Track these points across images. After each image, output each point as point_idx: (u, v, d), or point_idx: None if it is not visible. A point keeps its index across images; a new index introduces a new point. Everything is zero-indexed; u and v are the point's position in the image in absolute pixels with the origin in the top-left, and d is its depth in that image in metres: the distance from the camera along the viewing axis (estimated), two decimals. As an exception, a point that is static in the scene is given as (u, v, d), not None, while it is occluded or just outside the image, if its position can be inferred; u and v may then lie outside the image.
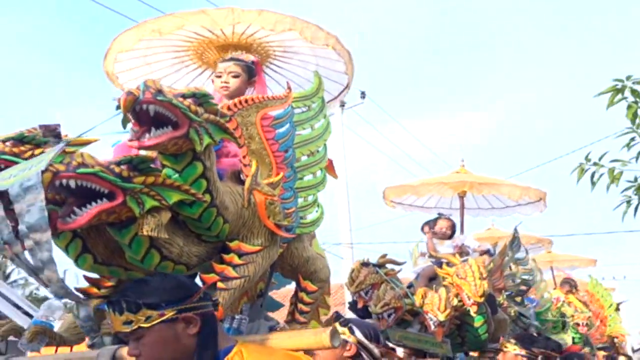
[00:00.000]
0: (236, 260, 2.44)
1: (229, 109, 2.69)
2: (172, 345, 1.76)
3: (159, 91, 2.02)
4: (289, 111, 3.02)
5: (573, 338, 9.07)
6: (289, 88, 3.09)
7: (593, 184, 3.88)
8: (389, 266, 4.94)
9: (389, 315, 4.56)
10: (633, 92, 3.74)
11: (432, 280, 5.32)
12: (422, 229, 6.12)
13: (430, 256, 5.57)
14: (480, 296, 4.52)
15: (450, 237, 6.00)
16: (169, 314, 1.75)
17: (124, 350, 2.02)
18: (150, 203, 2.10)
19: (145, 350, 1.77)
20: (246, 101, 2.80)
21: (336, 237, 15.64)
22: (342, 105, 15.43)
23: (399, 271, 4.96)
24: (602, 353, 9.94)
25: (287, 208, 2.84)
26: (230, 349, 1.74)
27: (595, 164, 3.88)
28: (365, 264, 4.81)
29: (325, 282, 3.20)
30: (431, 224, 6.06)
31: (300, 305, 3.05)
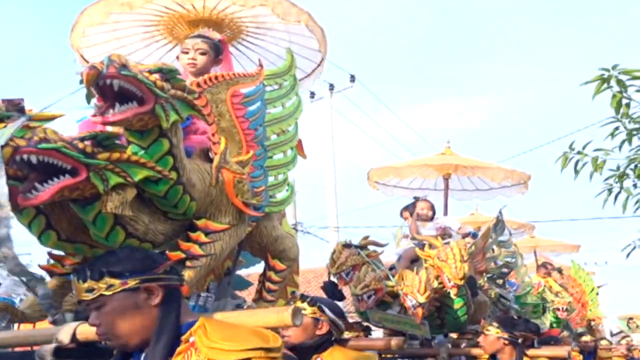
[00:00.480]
0: (203, 238, 2.43)
1: (198, 85, 2.66)
2: (132, 315, 1.75)
3: (124, 66, 1.98)
4: (260, 89, 2.99)
5: (552, 322, 9.10)
6: (261, 65, 3.06)
7: (576, 172, 3.93)
8: (371, 248, 4.96)
9: (368, 297, 4.57)
10: (618, 81, 3.75)
11: (413, 262, 5.31)
12: (401, 214, 6.08)
13: (413, 238, 5.56)
14: (461, 279, 4.53)
15: (432, 218, 5.99)
16: (132, 283, 1.75)
17: (84, 327, 2.00)
18: (114, 180, 2.07)
19: (105, 319, 1.76)
20: (216, 78, 2.76)
21: (323, 221, 15.70)
22: (332, 88, 15.61)
23: (380, 253, 4.97)
24: (585, 338, 9.98)
25: (257, 187, 2.82)
26: (193, 323, 1.73)
27: (579, 152, 3.93)
28: (346, 246, 4.80)
29: (293, 261, 3.20)
30: (410, 207, 6.03)
31: (268, 284, 3.05)
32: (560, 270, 11.35)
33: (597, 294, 12.77)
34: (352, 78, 15.56)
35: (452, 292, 4.63)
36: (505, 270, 6.26)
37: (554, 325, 9.09)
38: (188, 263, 2.35)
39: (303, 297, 2.92)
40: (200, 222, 2.45)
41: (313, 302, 2.92)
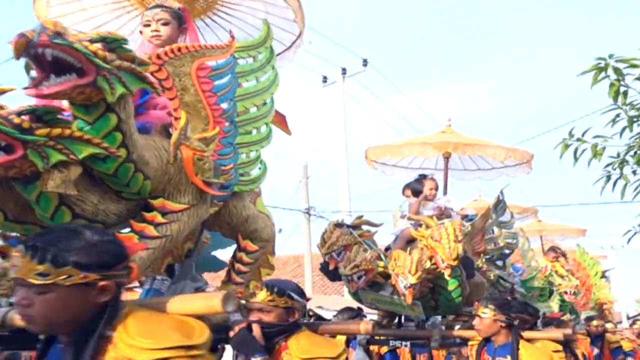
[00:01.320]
0: (159, 218, 2.30)
1: (158, 57, 2.51)
2: (76, 307, 1.62)
3: (58, 34, 1.84)
4: (231, 61, 2.84)
5: (560, 306, 9.23)
6: (232, 37, 2.91)
7: (576, 159, 3.96)
8: (367, 228, 4.82)
9: (359, 278, 4.46)
10: (615, 70, 3.75)
11: (410, 242, 5.13)
12: (403, 191, 5.85)
13: (410, 218, 5.39)
14: (454, 259, 4.37)
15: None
16: (91, 277, 1.62)
17: (15, 314, 1.89)
18: (56, 157, 1.94)
19: (43, 306, 1.60)
20: (179, 49, 2.60)
21: (335, 205, 15.68)
22: (344, 72, 15.61)
23: (374, 233, 4.84)
24: (594, 322, 9.95)
25: (225, 164, 2.70)
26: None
27: (578, 139, 3.97)
28: (338, 225, 4.68)
29: (267, 242, 3.06)
30: (413, 184, 5.77)
31: (238, 266, 2.93)
32: (564, 255, 11.41)
33: (603, 277, 12.94)
34: (365, 62, 15.63)
35: (446, 273, 4.48)
36: (506, 251, 6.05)
37: (562, 309, 9.21)
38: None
39: (269, 288, 2.79)
40: (157, 202, 2.32)
41: (281, 292, 2.80)
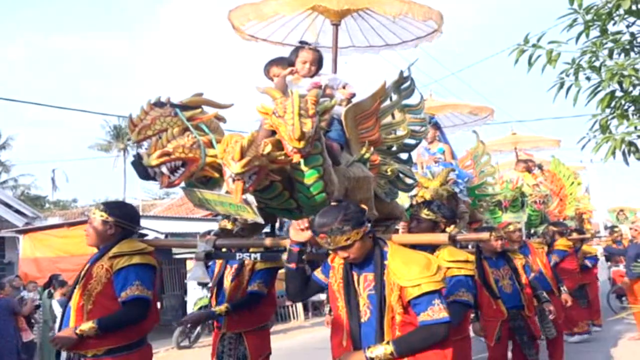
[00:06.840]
0: None
1: None
2: None
3: None
4: None
5: (530, 215, 9.35)
6: None
7: (530, 64, 3.97)
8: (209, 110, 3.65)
9: (173, 171, 3.32)
10: None
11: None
12: (267, 70, 4.39)
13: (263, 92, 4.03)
14: (299, 139, 3.14)
15: (316, 74, 4.33)
16: None
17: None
18: None
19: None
20: None
21: None
22: None
23: (214, 115, 3.64)
24: (551, 228, 9.90)
25: None
26: None
27: (533, 45, 3.99)
28: (158, 104, 3.47)
29: None
30: (290, 56, 4.34)
31: None
32: (540, 167, 12.01)
33: (579, 185, 13.14)
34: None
35: (296, 160, 3.31)
36: (410, 141, 4.76)
37: (533, 218, 9.63)
38: None
39: None
40: None
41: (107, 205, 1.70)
